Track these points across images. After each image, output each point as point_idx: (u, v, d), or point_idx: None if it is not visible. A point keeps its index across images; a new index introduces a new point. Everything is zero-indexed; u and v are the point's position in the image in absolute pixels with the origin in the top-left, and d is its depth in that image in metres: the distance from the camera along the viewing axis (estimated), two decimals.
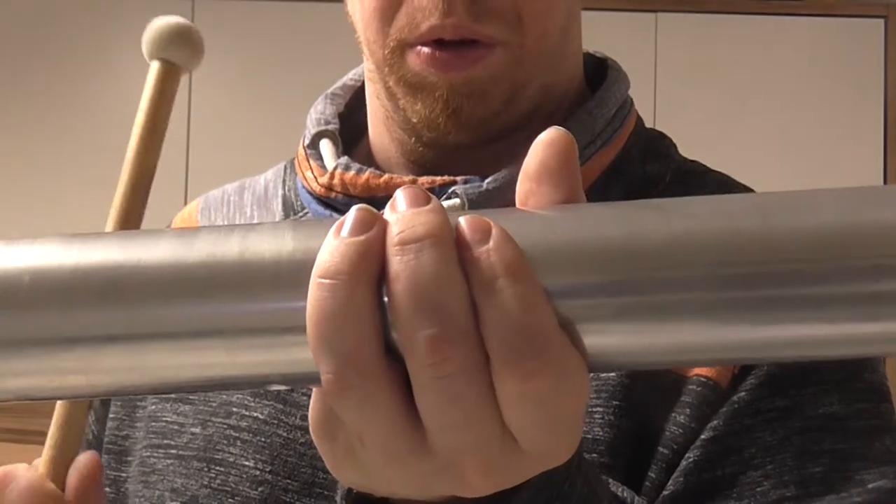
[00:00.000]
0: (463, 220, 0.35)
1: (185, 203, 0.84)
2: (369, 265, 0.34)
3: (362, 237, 0.34)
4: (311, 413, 0.38)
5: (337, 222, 0.35)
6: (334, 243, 0.34)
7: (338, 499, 0.45)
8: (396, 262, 0.34)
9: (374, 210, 0.35)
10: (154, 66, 0.58)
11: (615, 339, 0.34)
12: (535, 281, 0.34)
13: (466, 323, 0.34)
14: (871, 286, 0.33)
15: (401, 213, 0.35)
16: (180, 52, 0.58)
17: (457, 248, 0.34)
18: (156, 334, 0.35)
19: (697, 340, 0.34)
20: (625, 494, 0.54)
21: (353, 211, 0.35)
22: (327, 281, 0.34)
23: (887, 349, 0.34)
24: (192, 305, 0.35)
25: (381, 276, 0.34)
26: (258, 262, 0.35)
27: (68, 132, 3.06)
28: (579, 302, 0.34)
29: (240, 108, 3.04)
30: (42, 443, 0.76)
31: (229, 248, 0.36)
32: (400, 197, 0.36)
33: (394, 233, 0.34)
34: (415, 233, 0.34)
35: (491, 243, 0.34)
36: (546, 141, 0.37)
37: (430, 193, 0.36)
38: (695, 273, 0.33)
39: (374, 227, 0.35)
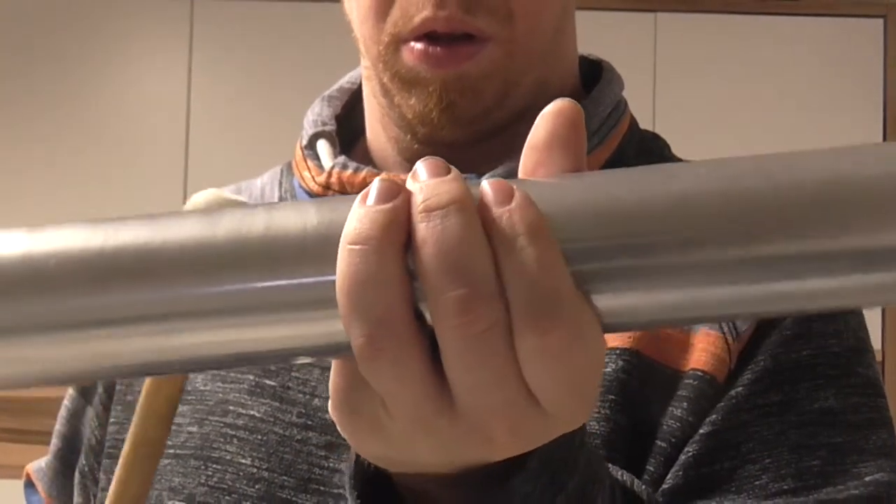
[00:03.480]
0: (486, 183, 0.36)
1: (184, 204, 0.84)
2: (397, 231, 0.35)
3: (389, 205, 0.35)
4: (332, 388, 0.39)
5: (361, 193, 0.36)
6: (361, 211, 0.35)
7: (346, 476, 0.46)
8: (423, 229, 0.35)
9: (397, 180, 0.36)
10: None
11: (628, 300, 0.36)
12: (553, 242, 0.35)
13: (492, 284, 0.35)
14: (873, 239, 0.34)
15: (423, 183, 0.36)
16: None
17: (480, 210, 0.35)
18: (183, 313, 0.36)
19: (706, 297, 0.35)
20: (625, 478, 0.54)
21: (378, 181, 0.36)
22: (357, 247, 0.35)
23: (887, 299, 0.35)
24: (220, 283, 0.36)
25: (407, 244, 0.35)
26: (284, 237, 0.36)
27: (68, 132, 3.06)
28: (591, 264, 0.35)
29: (239, 109, 3.04)
30: (42, 442, 0.76)
31: (255, 224, 0.36)
32: (421, 168, 0.37)
33: (419, 201, 0.35)
34: (440, 200, 0.35)
35: (513, 204, 0.35)
36: (555, 111, 0.38)
37: (449, 164, 0.37)
38: (703, 233, 0.35)
39: (399, 196, 0.36)
